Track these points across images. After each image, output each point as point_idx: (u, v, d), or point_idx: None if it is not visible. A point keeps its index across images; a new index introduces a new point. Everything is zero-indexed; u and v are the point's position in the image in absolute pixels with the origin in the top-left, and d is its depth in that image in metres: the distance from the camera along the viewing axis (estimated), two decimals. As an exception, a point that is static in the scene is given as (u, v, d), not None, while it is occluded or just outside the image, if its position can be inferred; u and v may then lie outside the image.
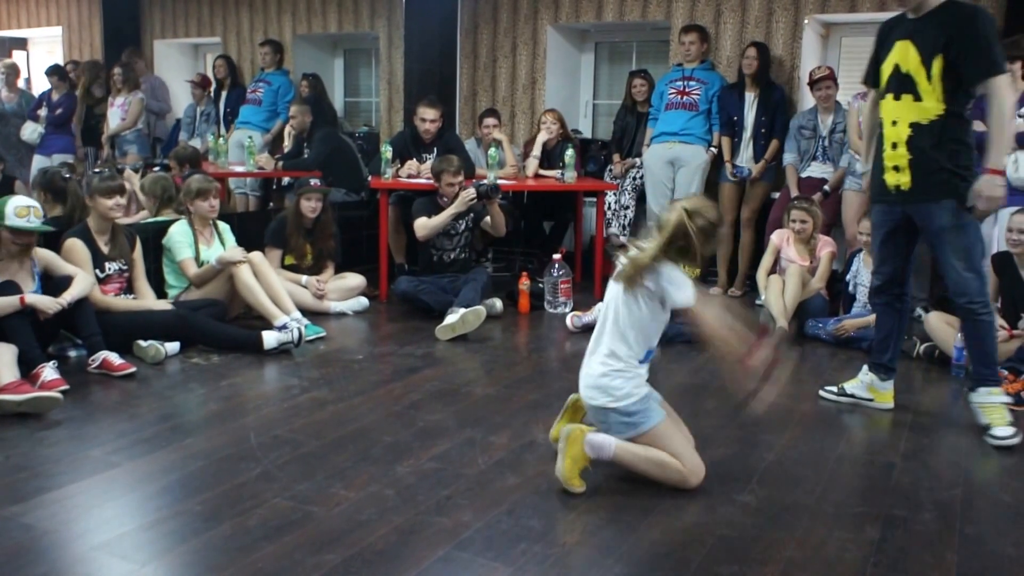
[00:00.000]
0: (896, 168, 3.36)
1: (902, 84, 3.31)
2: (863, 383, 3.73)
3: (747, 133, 5.94)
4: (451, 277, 5.26)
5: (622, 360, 2.84)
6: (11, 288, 3.75)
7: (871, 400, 3.71)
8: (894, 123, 3.34)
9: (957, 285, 3.33)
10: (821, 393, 3.83)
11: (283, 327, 4.43)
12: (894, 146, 3.35)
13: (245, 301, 4.64)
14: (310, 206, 5.23)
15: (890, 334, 3.66)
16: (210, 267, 4.67)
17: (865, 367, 3.75)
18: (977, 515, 2.73)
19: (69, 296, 3.85)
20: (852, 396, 3.75)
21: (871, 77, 3.54)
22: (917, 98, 3.27)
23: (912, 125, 3.29)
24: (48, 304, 3.77)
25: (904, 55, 3.30)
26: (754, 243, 5.94)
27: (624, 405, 2.81)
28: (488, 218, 5.33)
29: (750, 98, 5.93)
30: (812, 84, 5.63)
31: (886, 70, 3.37)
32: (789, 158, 5.83)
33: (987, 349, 3.42)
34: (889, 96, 3.37)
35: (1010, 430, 3.31)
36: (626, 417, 2.82)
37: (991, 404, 3.38)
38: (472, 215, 5.30)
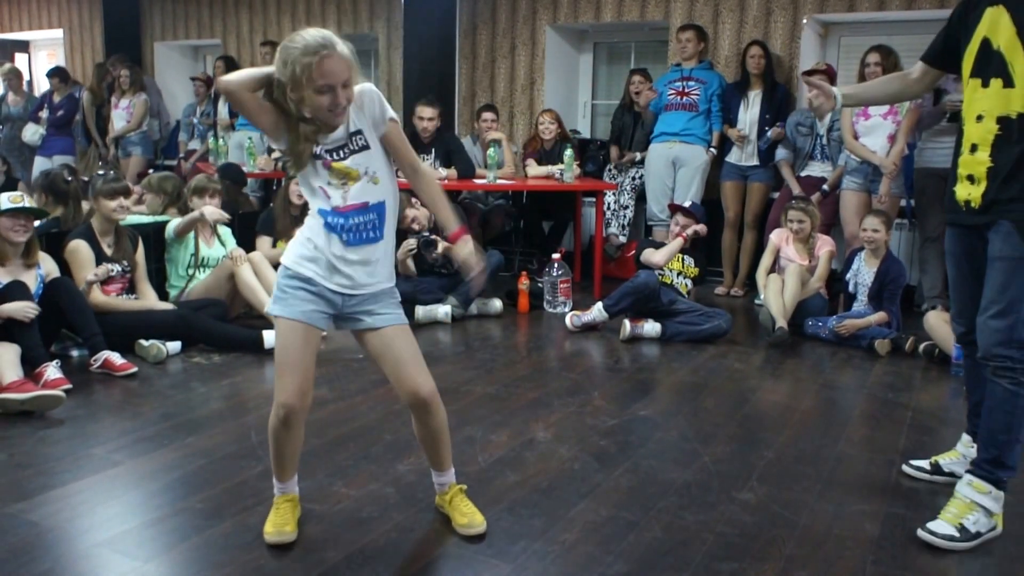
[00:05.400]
0: (970, 178, 2.48)
1: (991, 65, 2.42)
2: (967, 458, 2.84)
3: (745, 130, 5.95)
4: (448, 277, 5.27)
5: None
6: (22, 288, 3.77)
7: None
8: (979, 118, 2.45)
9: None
10: (906, 469, 3.00)
11: (284, 327, 4.43)
12: (973, 149, 2.46)
13: (246, 300, 4.66)
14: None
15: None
16: (191, 217, 4.70)
17: (967, 437, 2.89)
18: (975, 512, 2.74)
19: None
20: (951, 475, 2.86)
21: (932, 54, 2.71)
22: (1008, 83, 2.39)
23: (1000, 120, 2.41)
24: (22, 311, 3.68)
25: (995, 26, 2.41)
26: (756, 244, 5.96)
27: (281, 269, 2.27)
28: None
29: (752, 96, 5.95)
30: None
31: (972, 47, 2.47)
32: (782, 154, 5.84)
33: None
34: (975, 82, 2.47)
35: (952, 530, 2.51)
36: (276, 287, 2.28)
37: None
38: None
